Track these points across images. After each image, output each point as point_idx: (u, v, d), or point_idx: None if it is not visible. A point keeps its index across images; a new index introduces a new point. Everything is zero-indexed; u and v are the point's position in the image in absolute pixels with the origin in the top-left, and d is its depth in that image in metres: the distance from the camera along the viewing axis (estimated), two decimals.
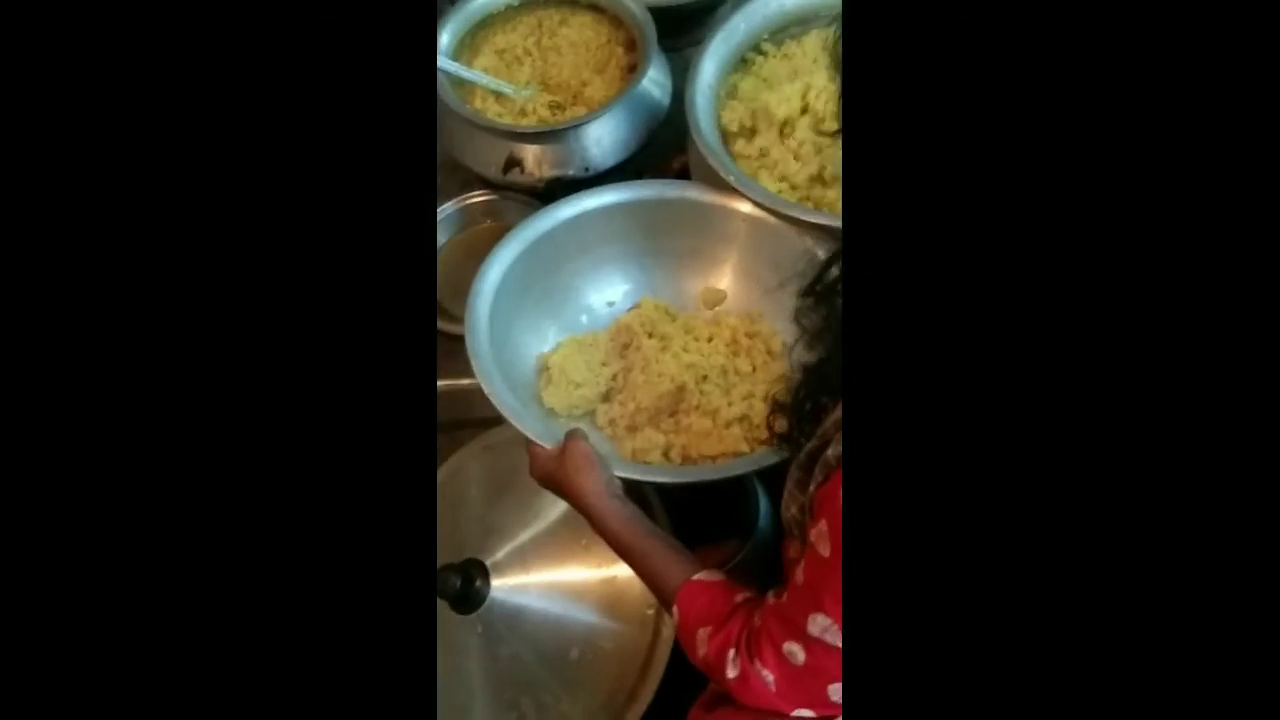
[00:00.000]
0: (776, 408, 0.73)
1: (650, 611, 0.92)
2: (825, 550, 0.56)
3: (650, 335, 1.04)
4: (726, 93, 1.16)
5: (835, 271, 0.68)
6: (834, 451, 0.56)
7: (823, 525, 0.56)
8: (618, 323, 1.06)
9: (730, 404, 0.96)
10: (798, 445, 0.67)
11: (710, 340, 1.03)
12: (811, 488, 0.60)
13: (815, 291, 0.69)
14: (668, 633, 0.90)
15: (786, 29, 1.20)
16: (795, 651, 0.59)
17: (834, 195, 1.03)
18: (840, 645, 0.56)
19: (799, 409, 0.70)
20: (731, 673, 0.63)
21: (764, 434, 0.89)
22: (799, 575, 0.59)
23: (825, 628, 0.56)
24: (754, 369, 1.00)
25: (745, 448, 0.93)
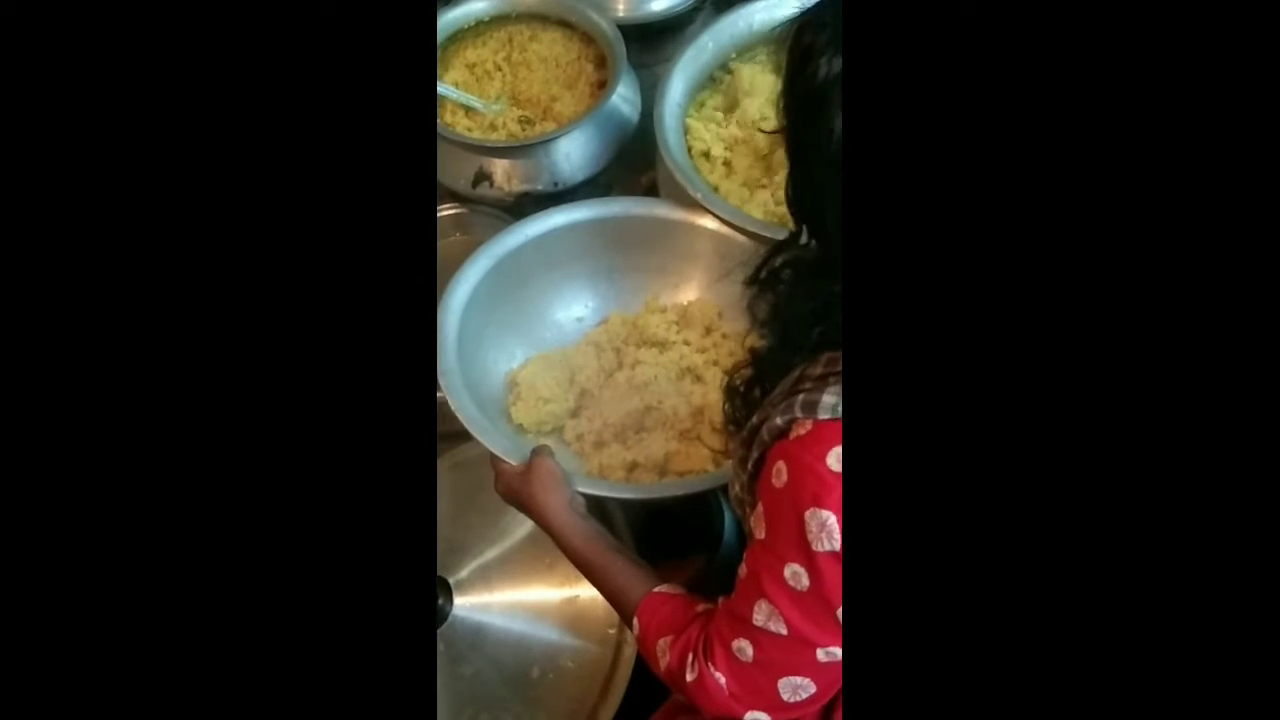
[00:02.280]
0: (731, 394, 0.74)
1: (612, 631, 0.92)
2: (760, 532, 0.58)
3: (617, 351, 1.04)
4: (695, 109, 1.17)
5: (777, 261, 0.68)
6: (766, 425, 0.58)
7: (759, 509, 0.58)
8: (585, 338, 1.06)
9: (696, 421, 0.97)
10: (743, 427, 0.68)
11: (683, 340, 1.03)
12: (750, 465, 0.61)
13: (759, 279, 0.70)
14: (629, 652, 0.90)
15: (754, 48, 1.21)
16: (744, 648, 0.60)
17: None
18: (784, 632, 0.57)
19: (749, 395, 0.71)
20: (690, 676, 0.64)
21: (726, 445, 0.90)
22: (743, 567, 0.61)
23: (769, 615, 0.58)
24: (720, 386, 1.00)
25: (710, 464, 0.93)
